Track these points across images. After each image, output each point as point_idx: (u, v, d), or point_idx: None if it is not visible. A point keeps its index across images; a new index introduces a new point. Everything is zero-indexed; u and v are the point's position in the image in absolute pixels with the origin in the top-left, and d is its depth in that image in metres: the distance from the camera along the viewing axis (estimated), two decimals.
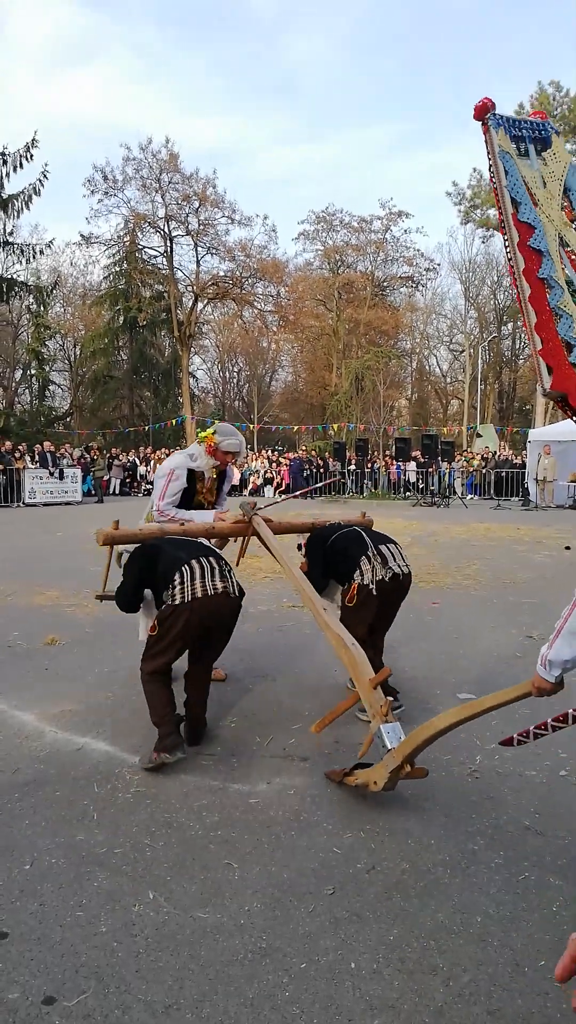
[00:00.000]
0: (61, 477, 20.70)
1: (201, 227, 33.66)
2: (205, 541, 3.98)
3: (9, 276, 30.61)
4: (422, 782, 3.15)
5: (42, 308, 33.28)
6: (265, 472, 25.99)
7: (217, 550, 3.74)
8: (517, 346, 42.61)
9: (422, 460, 24.17)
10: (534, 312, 2.23)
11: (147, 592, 3.68)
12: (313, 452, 29.42)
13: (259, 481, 25.47)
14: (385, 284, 41.79)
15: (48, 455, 21.14)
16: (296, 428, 38.77)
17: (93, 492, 22.51)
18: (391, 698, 3.29)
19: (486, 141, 2.34)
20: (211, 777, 3.23)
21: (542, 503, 19.60)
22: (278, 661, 5.03)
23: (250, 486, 24.90)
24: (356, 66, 65.45)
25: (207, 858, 2.59)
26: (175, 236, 34.40)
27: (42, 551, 10.47)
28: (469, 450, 29.13)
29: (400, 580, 4.02)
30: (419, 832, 2.77)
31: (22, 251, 29.83)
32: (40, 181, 27.66)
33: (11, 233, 29.77)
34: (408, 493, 24.47)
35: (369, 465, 26.06)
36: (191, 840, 2.71)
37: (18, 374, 38.87)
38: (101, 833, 2.76)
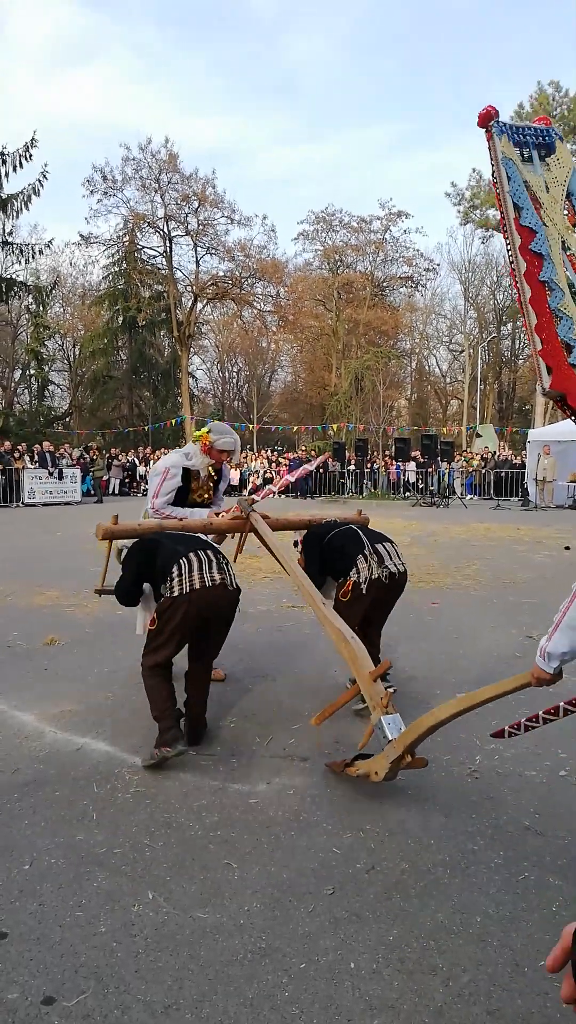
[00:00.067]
0: (60, 477, 20.69)
1: (200, 227, 33.68)
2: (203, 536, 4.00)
3: (8, 276, 30.58)
4: (421, 782, 3.16)
5: (41, 308, 33.26)
6: (264, 472, 26.00)
7: (214, 544, 3.77)
8: (516, 346, 42.64)
9: (422, 460, 24.17)
10: (534, 314, 2.27)
11: (146, 586, 3.72)
12: (313, 452, 29.42)
13: (258, 481, 25.46)
14: (385, 284, 41.79)
15: (47, 455, 21.12)
16: (295, 428, 38.78)
17: (92, 492, 22.50)
18: (391, 689, 3.31)
19: (489, 148, 2.39)
20: (211, 777, 3.23)
21: (542, 503, 19.61)
22: (278, 661, 5.03)
23: (249, 486, 24.89)
24: (356, 66, 65.53)
25: (207, 858, 2.59)
26: (174, 236, 34.43)
27: (41, 551, 10.46)
28: (469, 450, 29.15)
29: (396, 579, 4.05)
30: (419, 832, 2.77)
31: (21, 251, 29.79)
32: (39, 181, 27.64)
33: (10, 233, 29.75)
34: (408, 493, 24.48)
35: (369, 465, 26.07)
36: (191, 840, 2.71)
37: (17, 374, 38.87)
38: (101, 833, 2.75)
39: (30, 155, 26.94)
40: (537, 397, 31.10)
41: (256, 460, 27.36)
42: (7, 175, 27.19)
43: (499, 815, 2.90)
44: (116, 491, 24.77)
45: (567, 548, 10.72)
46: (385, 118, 67.58)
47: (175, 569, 3.36)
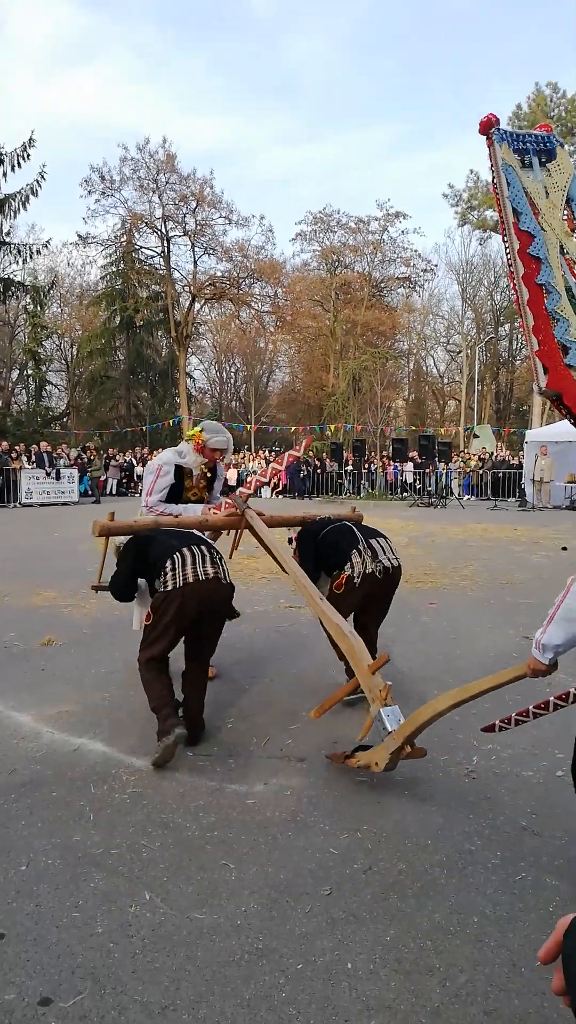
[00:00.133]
0: (58, 477, 20.67)
1: (198, 227, 33.71)
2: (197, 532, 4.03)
3: (6, 276, 30.55)
4: (419, 783, 3.17)
5: (39, 308, 33.21)
6: (262, 472, 25.98)
7: (207, 539, 3.81)
8: (514, 347, 42.70)
9: (419, 461, 24.18)
10: (532, 315, 2.33)
11: (142, 582, 3.75)
12: (310, 453, 29.42)
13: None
14: (382, 285, 41.81)
15: (45, 455, 21.09)
16: (293, 429, 38.77)
17: (90, 492, 22.49)
18: (390, 683, 3.34)
19: (490, 155, 2.46)
20: (208, 778, 3.23)
21: (539, 504, 19.63)
22: (276, 662, 5.03)
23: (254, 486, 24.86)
24: (356, 66, 65.58)
25: (204, 859, 2.59)
26: (172, 236, 34.46)
27: (39, 552, 10.45)
28: (466, 451, 29.16)
29: (390, 573, 4.11)
30: (416, 833, 2.77)
31: (19, 251, 29.77)
32: (38, 182, 27.65)
33: (8, 233, 29.72)
34: (405, 494, 24.49)
35: (366, 466, 26.07)
36: (188, 841, 2.71)
37: (15, 374, 38.77)
38: (97, 834, 2.75)
39: (28, 155, 26.96)
40: (534, 398, 31.14)
41: (254, 460, 27.34)
42: (5, 175, 27.22)
43: (496, 815, 2.91)
44: (113, 491, 24.75)
45: (564, 548, 10.73)
46: (385, 118, 67.73)
47: (169, 564, 3.40)
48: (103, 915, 2.27)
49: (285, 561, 4.05)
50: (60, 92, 61.54)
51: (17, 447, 22.09)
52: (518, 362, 42.34)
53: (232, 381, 49.25)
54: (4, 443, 21.69)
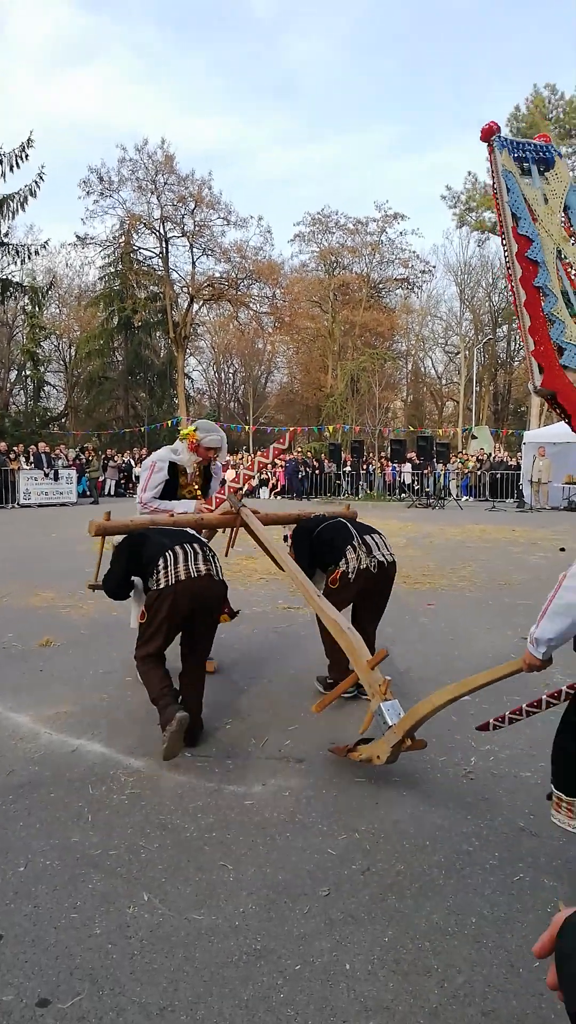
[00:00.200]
0: (56, 478, 20.66)
1: (197, 228, 33.74)
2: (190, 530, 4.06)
3: (4, 277, 30.54)
4: (417, 784, 3.18)
5: (37, 309, 33.21)
6: (261, 473, 25.98)
7: (200, 537, 3.84)
8: (512, 348, 42.72)
9: (417, 462, 24.19)
10: (529, 316, 2.41)
11: (138, 581, 3.78)
12: (309, 454, 29.42)
13: (255, 482, 25.47)
14: (380, 286, 41.84)
15: (43, 456, 21.07)
16: (292, 430, 38.75)
17: (88, 493, 22.47)
18: (389, 678, 3.36)
19: (491, 161, 2.56)
20: (206, 779, 3.23)
21: (537, 505, 19.65)
22: (274, 662, 5.03)
23: (245, 487, 24.86)
24: (356, 66, 65.57)
25: (202, 860, 2.59)
26: (171, 237, 34.47)
27: (37, 552, 10.45)
28: (464, 452, 29.18)
29: (385, 568, 4.15)
30: (414, 833, 2.77)
31: (17, 252, 29.77)
32: (36, 183, 27.64)
33: (7, 234, 29.70)
34: (403, 495, 24.50)
35: (364, 467, 26.08)
36: (186, 842, 2.71)
37: (13, 375, 38.73)
38: (96, 835, 2.75)
39: (26, 155, 26.94)
40: (533, 399, 31.15)
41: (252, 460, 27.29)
42: (4, 176, 27.20)
43: (494, 816, 2.91)
44: (112, 492, 24.73)
45: (562, 550, 10.74)
46: (385, 118, 67.75)
47: (161, 562, 3.43)
48: (101, 916, 2.27)
49: (281, 558, 4.10)
50: (60, 92, 61.57)
51: (15, 448, 22.07)
52: (516, 363, 42.37)
53: (230, 382, 49.29)
54: (2, 444, 21.68)
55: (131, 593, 3.94)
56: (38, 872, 2.50)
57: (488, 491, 23.85)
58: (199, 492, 4.66)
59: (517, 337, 39.59)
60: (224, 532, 4.63)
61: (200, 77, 65.74)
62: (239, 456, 28.21)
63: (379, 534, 4.31)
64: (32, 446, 22.61)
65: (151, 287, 37.15)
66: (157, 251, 35.49)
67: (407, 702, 4.07)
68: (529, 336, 2.41)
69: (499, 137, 2.55)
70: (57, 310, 40.48)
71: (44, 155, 68.93)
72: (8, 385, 38.37)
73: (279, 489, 25.00)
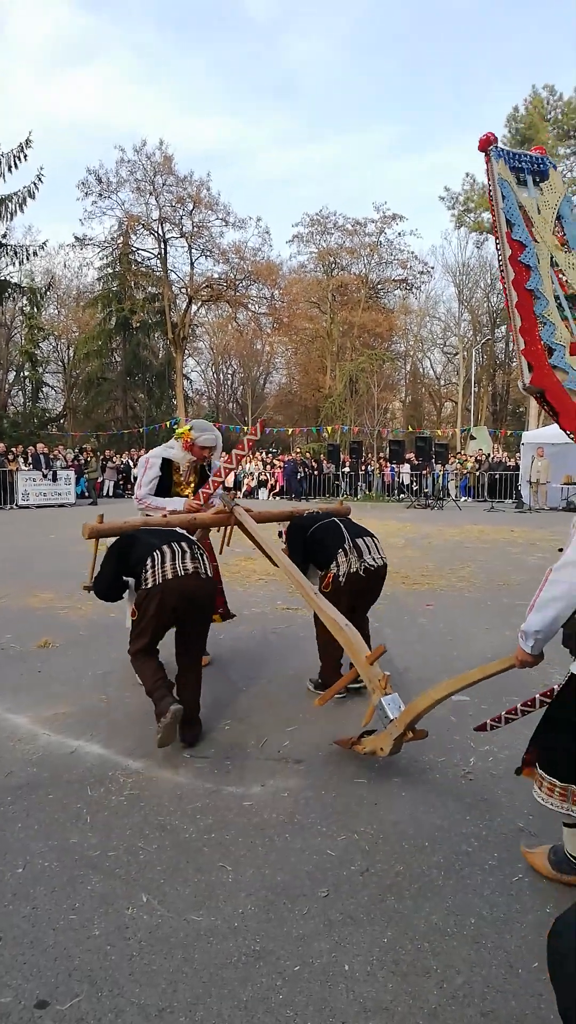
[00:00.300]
0: (54, 479, 20.64)
1: (195, 229, 33.71)
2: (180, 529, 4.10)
3: (3, 278, 30.53)
4: (416, 784, 3.18)
5: (35, 310, 33.21)
6: (259, 474, 25.99)
7: (190, 536, 3.89)
8: (510, 349, 42.64)
9: (416, 462, 24.21)
10: (520, 317, 2.53)
11: (131, 581, 3.82)
12: (307, 454, 29.42)
13: (253, 483, 25.47)
14: (379, 287, 41.81)
15: (41, 457, 21.05)
16: (290, 430, 38.77)
17: (87, 494, 22.46)
18: (388, 673, 3.41)
19: (487, 170, 2.68)
20: (205, 779, 3.23)
21: (535, 505, 19.66)
22: (272, 663, 5.03)
23: (244, 488, 24.89)
24: (356, 66, 65.55)
25: (201, 861, 2.59)
26: (169, 238, 34.45)
27: (36, 553, 10.44)
28: (463, 452, 29.18)
29: (374, 572, 4.20)
30: (413, 834, 2.77)
31: (16, 252, 29.76)
32: (35, 184, 27.62)
33: (5, 235, 29.69)
34: (402, 495, 24.51)
35: (363, 467, 26.09)
36: (185, 843, 2.71)
37: (11, 376, 38.73)
38: (94, 836, 2.75)
39: (25, 155, 26.92)
40: (531, 400, 31.17)
41: (251, 462, 27.33)
42: (2, 176, 27.17)
43: (493, 817, 2.91)
44: (110, 493, 24.73)
45: (561, 550, 10.72)
46: (385, 118, 67.75)
47: (149, 561, 3.49)
48: (100, 917, 2.27)
49: (276, 556, 4.14)
50: (60, 92, 61.57)
51: (14, 449, 22.04)
52: (514, 364, 42.18)
53: (229, 383, 49.28)
54: (1, 445, 21.66)
55: (124, 595, 3.98)
56: (37, 873, 2.50)
57: (487, 492, 23.85)
58: (190, 492, 4.69)
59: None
60: (219, 531, 4.66)
61: (200, 77, 65.86)
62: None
63: (372, 537, 4.35)
64: (30, 447, 22.57)
65: (149, 288, 37.12)
66: (155, 252, 35.48)
67: (406, 701, 4.08)
68: (520, 336, 2.51)
69: (496, 147, 2.67)
70: (55, 311, 40.48)
71: (44, 155, 68.95)
72: (6, 386, 38.35)
73: (278, 490, 24.99)
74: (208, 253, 34.63)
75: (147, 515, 4.50)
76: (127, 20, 63.38)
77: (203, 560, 3.65)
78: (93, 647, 5.38)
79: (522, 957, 2.10)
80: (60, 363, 41.19)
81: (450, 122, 64.52)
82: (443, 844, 2.70)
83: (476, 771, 3.33)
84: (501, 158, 2.68)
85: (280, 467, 26.00)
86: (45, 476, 20.51)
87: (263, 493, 24.97)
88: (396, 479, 25.42)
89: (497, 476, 23.94)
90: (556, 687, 2.56)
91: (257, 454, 29.45)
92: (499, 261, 2.67)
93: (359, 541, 4.22)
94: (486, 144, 2.66)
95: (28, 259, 30.43)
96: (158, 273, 35.86)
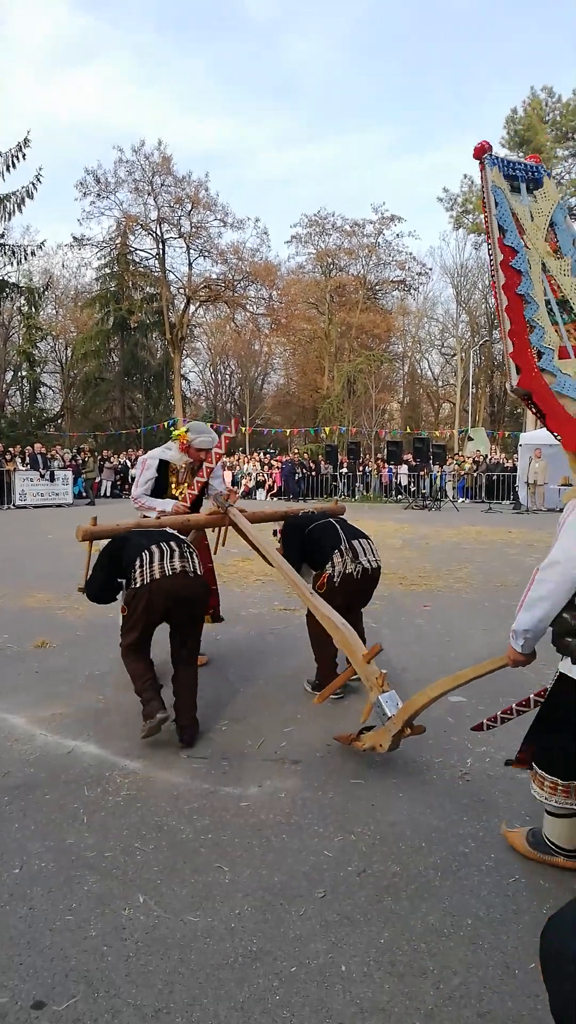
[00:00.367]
0: (52, 479, 20.61)
1: (193, 230, 33.71)
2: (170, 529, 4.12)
3: (1, 278, 30.50)
4: (413, 785, 3.18)
5: (33, 310, 33.20)
6: (257, 475, 26.00)
7: (180, 535, 3.91)
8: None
9: (414, 463, 24.21)
10: (509, 320, 2.58)
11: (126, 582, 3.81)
12: (305, 455, 29.43)
13: (251, 484, 25.47)
14: (377, 288, 41.85)
15: (39, 457, 21.01)
16: (288, 431, 38.78)
17: (84, 494, 22.44)
18: (385, 671, 3.44)
19: (482, 177, 2.73)
20: (202, 780, 3.22)
21: (533, 506, 19.68)
22: (270, 664, 5.02)
23: (242, 489, 24.90)
24: (356, 66, 65.32)
25: (198, 861, 2.59)
26: (167, 239, 34.44)
27: (33, 553, 10.43)
28: (460, 453, 29.20)
29: (369, 574, 4.24)
30: (410, 835, 2.77)
31: (14, 252, 29.72)
32: (34, 184, 27.57)
33: (3, 235, 29.65)
34: (400, 496, 24.51)
35: (361, 468, 26.10)
36: (182, 843, 2.70)
37: (9, 376, 38.69)
38: (91, 836, 2.74)
39: (23, 155, 26.87)
40: None
41: (249, 463, 27.34)
42: (1, 175, 27.13)
43: (490, 818, 2.91)
44: (108, 493, 24.69)
45: None
46: (385, 118, 67.56)
47: (138, 561, 3.54)
48: (96, 918, 2.27)
49: (271, 556, 4.16)
50: (60, 92, 61.30)
51: (11, 449, 22.00)
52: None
53: (227, 383, 49.22)
54: None
55: (118, 596, 3.98)
56: (33, 874, 2.50)
57: (484, 493, 23.86)
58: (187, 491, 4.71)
59: None
60: (214, 531, 4.68)
61: (200, 77, 65.70)
62: (235, 458, 28.22)
63: (367, 539, 4.37)
64: (28, 447, 22.51)
65: (147, 288, 37.14)
66: (154, 252, 35.48)
67: (403, 700, 4.09)
68: (509, 339, 2.56)
69: (491, 156, 2.72)
70: (53, 311, 40.44)
71: (43, 155, 68.78)
72: (4, 386, 38.31)
73: (275, 491, 24.99)
74: (206, 253, 34.67)
75: (144, 515, 4.51)
76: (127, 20, 63.31)
77: (192, 559, 3.68)
78: (90, 647, 5.38)
79: (519, 958, 2.10)
80: (58, 363, 41.16)
81: (450, 122, 64.42)
82: (440, 845, 2.70)
83: (473, 772, 3.33)
84: (495, 166, 2.74)
85: (278, 468, 25.99)
86: (42, 476, 20.49)
87: (261, 494, 24.97)
88: (394, 480, 25.44)
89: (495, 477, 23.95)
90: (548, 687, 2.58)
91: (255, 455, 29.45)
92: (490, 266, 2.73)
93: (355, 543, 4.24)
94: (480, 152, 2.72)
95: (26, 259, 30.41)
96: (156, 273, 35.86)
